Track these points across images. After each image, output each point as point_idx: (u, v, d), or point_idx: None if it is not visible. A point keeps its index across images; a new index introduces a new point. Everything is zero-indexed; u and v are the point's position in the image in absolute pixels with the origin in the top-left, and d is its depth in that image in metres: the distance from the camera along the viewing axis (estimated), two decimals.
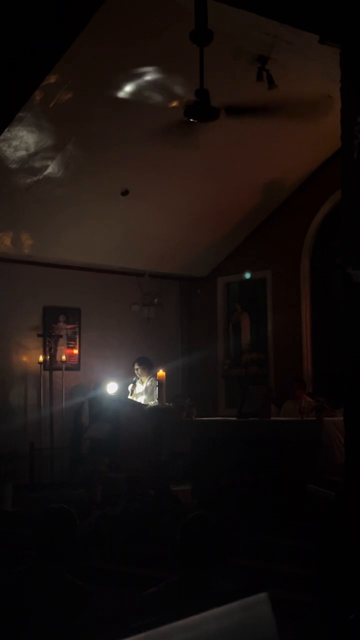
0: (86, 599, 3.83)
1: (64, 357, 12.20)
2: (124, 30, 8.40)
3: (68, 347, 12.43)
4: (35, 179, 10.24)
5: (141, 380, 10.53)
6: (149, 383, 10.41)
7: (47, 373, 12.05)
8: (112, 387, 11.54)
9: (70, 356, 12.41)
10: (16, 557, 7.20)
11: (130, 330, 12.99)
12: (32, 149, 9.75)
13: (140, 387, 10.51)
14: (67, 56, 8.12)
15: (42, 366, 12.00)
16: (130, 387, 10.57)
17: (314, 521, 6.46)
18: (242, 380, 12.20)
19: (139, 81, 9.19)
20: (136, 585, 5.21)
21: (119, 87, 9.24)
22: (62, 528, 3.94)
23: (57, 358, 12.20)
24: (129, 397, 10.50)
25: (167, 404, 9.84)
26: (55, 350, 12.21)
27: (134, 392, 10.50)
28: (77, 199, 10.80)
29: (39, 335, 12.12)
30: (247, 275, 12.90)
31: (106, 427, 10.93)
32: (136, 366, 10.60)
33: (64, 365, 12.16)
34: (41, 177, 10.25)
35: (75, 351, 12.55)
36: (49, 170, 10.19)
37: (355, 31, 5.94)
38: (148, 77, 9.17)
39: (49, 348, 12.14)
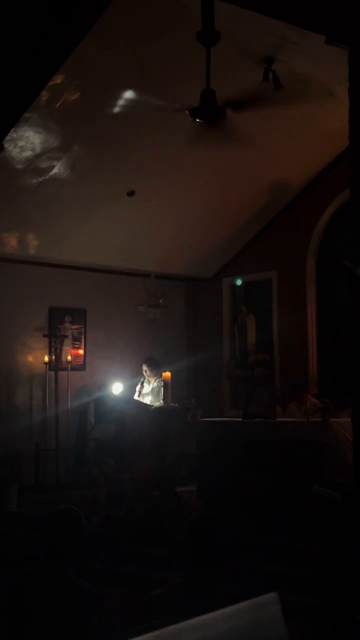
0: (91, 599, 3.82)
1: (69, 358, 12.20)
2: (130, 30, 8.39)
3: (73, 348, 12.43)
4: (41, 179, 10.24)
5: (148, 381, 10.52)
6: (156, 384, 10.39)
7: (52, 373, 12.05)
8: (117, 388, 11.54)
9: (75, 356, 12.41)
10: (22, 557, 7.19)
11: (135, 331, 12.99)
12: (38, 150, 9.74)
13: (147, 388, 10.50)
14: (73, 57, 8.12)
15: (47, 366, 12.00)
16: (138, 387, 10.57)
17: (319, 523, 6.44)
18: (248, 382, 12.18)
19: (145, 82, 9.19)
20: (141, 587, 5.20)
21: (125, 87, 9.24)
22: (69, 529, 3.93)
23: (63, 358, 12.20)
24: (136, 397, 10.50)
25: (172, 404, 9.82)
26: (61, 351, 12.22)
27: (142, 392, 10.49)
28: (83, 200, 10.80)
29: (44, 336, 12.13)
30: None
31: (111, 428, 10.93)
32: (144, 367, 10.58)
33: (69, 366, 12.16)
34: (47, 177, 10.25)
35: (81, 351, 12.55)
36: (55, 170, 10.19)
37: None
38: (154, 78, 9.17)
39: (55, 348, 12.15)
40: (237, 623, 1.23)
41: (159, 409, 9.78)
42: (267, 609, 1.29)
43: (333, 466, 8.25)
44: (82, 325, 12.60)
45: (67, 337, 12.37)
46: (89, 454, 11.39)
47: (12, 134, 9.20)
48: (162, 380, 9.84)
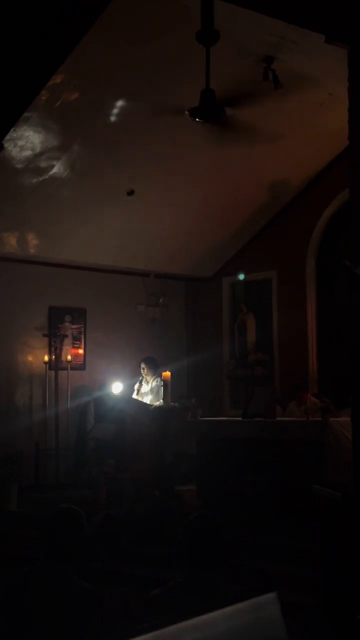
0: (92, 599, 3.82)
1: (69, 357, 12.20)
2: (130, 30, 8.39)
3: (73, 347, 12.43)
4: (41, 179, 10.24)
5: (146, 380, 10.52)
6: (154, 383, 10.39)
7: (52, 373, 12.04)
8: (117, 387, 11.53)
9: (75, 356, 12.41)
10: (22, 557, 7.19)
11: (135, 331, 12.99)
12: (37, 149, 9.75)
13: (146, 387, 10.50)
14: (73, 56, 8.12)
15: (47, 366, 11.99)
16: (136, 386, 10.57)
17: (319, 522, 6.44)
18: (247, 381, 12.18)
19: (145, 81, 9.19)
20: (142, 586, 5.20)
21: (125, 87, 9.24)
22: (69, 529, 3.93)
23: (63, 358, 12.19)
24: (135, 396, 10.49)
25: (172, 404, 9.82)
26: (61, 350, 12.21)
27: (140, 391, 10.49)
28: (83, 199, 10.80)
29: (44, 335, 12.13)
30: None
31: (111, 428, 10.92)
32: (142, 366, 10.58)
33: (69, 365, 12.16)
34: (47, 177, 10.25)
35: (81, 351, 12.55)
36: (55, 170, 10.19)
37: None
38: (154, 77, 9.17)
39: (55, 348, 12.14)
40: (237, 623, 1.23)
41: (158, 408, 9.78)
42: (266, 609, 1.29)
43: (333, 466, 8.25)
44: (82, 325, 12.59)
45: (67, 336, 12.37)
46: (89, 454, 11.38)
47: (12, 134, 9.21)
48: (162, 380, 9.85)
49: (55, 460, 11.70)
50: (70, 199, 10.69)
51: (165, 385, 9.73)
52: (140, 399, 10.40)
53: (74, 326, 12.48)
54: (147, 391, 10.45)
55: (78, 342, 12.52)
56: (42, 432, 11.82)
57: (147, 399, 10.34)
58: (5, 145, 9.30)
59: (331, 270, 12.07)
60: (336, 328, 11.99)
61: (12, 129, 9.06)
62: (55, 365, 12.08)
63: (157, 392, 10.24)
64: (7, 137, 9.14)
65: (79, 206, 10.88)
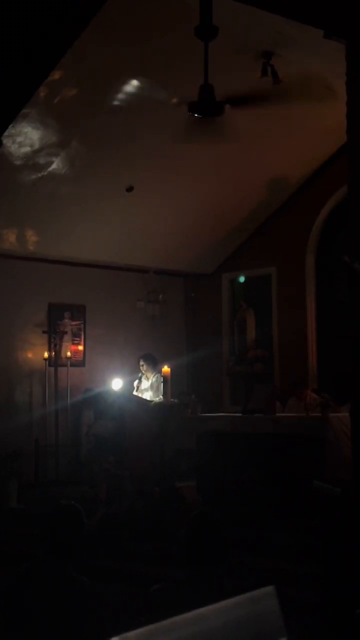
0: (91, 596, 3.82)
1: (69, 354, 12.19)
2: (130, 26, 8.37)
3: (73, 344, 12.42)
4: (40, 175, 10.23)
5: (146, 377, 10.53)
6: (154, 379, 10.40)
7: (52, 370, 12.03)
8: (117, 384, 11.53)
9: (75, 353, 12.40)
10: (22, 554, 7.19)
11: (135, 327, 12.98)
12: (36, 146, 9.74)
13: (145, 384, 10.51)
14: (72, 52, 8.10)
15: (47, 363, 11.99)
16: (135, 383, 10.58)
17: (319, 518, 6.43)
18: (247, 378, 12.17)
19: (144, 78, 9.17)
20: (142, 583, 5.20)
21: (124, 83, 9.22)
22: (70, 525, 3.93)
23: (62, 355, 12.18)
24: (135, 393, 10.50)
25: (172, 400, 9.83)
26: (60, 347, 12.20)
27: (140, 388, 10.50)
28: (82, 196, 10.79)
29: (44, 332, 12.12)
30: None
31: (111, 425, 10.92)
32: (141, 362, 10.60)
33: (69, 362, 12.15)
34: (46, 173, 10.24)
35: (80, 348, 12.54)
36: (54, 166, 10.18)
37: None
38: (153, 74, 9.15)
39: (54, 345, 12.13)
40: (234, 616, 1.22)
41: (158, 404, 9.79)
42: (264, 602, 1.29)
43: (333, 462, 8.24)
44: (82, 322, 12.59)
45: (66, 333, 12.36)
46: (86, 451, 11.40)
47: (11, 130, 9.19)
48: (162, 376, 9.85)
49: (55, 457, 11.70)
50: (69, 195, 10.68)
51: (165, 382, 9.73)
52: (140, 395, 10.41)
53: (73, 323, 12.48)
54: (147, 388, 10.46)
55: (78, 339, 12.52)
56: (41, 429, 11.81)
57: (147, 396, 10.35)
58: (4, 141, 9.28)
59: (331, 266, 12.06)
60: (336, 324, 11.97)
61: (10, 126, 9.04)
62: (55, 362, 12.07)
63: (157, 389, 10.25)
64: (6, 133, 9.12)
65: (78, 202, 10.87)
